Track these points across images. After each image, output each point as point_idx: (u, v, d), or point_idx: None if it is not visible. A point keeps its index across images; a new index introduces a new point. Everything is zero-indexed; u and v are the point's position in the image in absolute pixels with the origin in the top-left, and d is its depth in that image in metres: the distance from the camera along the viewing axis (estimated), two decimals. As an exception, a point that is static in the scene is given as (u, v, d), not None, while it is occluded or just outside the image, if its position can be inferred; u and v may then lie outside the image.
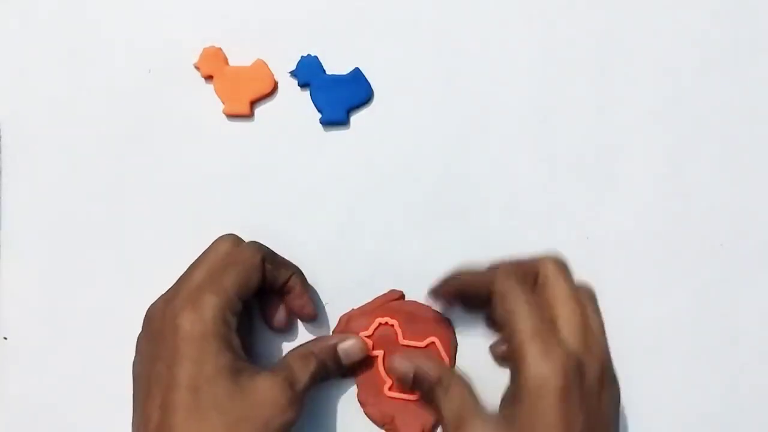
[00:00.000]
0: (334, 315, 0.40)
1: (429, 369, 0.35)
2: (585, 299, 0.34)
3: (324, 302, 0.40)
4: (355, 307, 0.40)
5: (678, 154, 0.41)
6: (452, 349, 0.39)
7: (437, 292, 0.37)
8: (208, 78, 0.41)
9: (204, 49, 0.41)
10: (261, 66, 0.41)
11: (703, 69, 0.42)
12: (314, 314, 0.38)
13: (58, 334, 0.40)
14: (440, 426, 0.34)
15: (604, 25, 0.42)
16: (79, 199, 0.41)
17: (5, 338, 0.40)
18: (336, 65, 0.42)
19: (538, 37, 0.42)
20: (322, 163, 0.41)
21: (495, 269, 0.35)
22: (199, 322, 0.33)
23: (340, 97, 0.41)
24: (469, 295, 0.36)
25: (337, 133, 0.42)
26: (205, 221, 0.41)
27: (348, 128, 0.42)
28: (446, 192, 0.41)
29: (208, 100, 0.41)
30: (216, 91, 0.41)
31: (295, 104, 0.42)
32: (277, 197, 0.41)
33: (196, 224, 0.41)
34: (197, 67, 0.41)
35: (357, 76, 0.42)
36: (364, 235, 0.41)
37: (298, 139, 0.41)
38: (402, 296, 0.40)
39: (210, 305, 0.33)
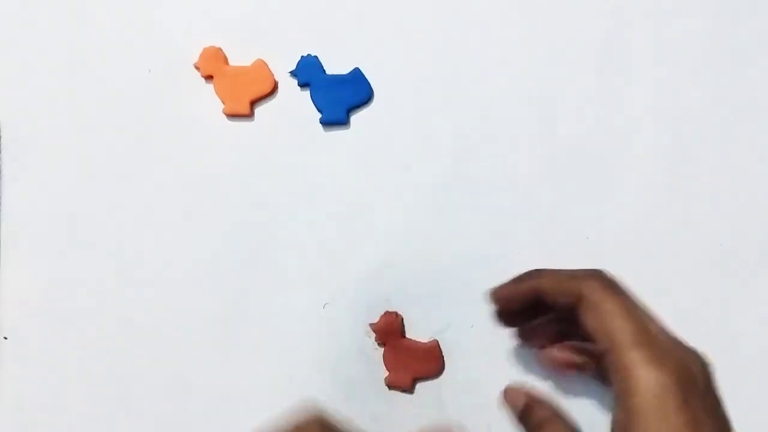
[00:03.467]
0: (334, 315, 0.40)
1: (536, 409, 0.34)
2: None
3: (324, 302, 0.40)
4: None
5: (678, 154, 0.41)
6: None
7: (504, 292, 0.35)
8: (208, 78, 0.41)
9: (204, 49, 0.41)
10: (261, 66, 0.41)
11: (703, 69, 0.42)
12: None
13: (58, 334, 0.40)
14: None
15: (604, 25, 0.42)
16: (79, 199, 0.41)
17: (5, 338, 0.40)
18: (336, 65, 0.42)
19: (539, 37, 0.42)
20: (322, 163, 0.41)
21: (578, 277, 0.33)
22: None
23: (340, 97, 0.41)
24: (548, 296, 0.33)
25: (337, 133, 0.42)
26: (205, 221, 0.41)
27: (348, 128, 0.42)
28: (446, 192, 0.41)
29: (208, 100, 0.41)
30: (216, 91, 0.41)
31: (295, 104, 0.42)
32: (277, 197, 0.41)
33: (196, 224, 0.41)
34: (197, 67, 0.41)
35: (357, 76, 0.42)
36: (364, 235, 0.41)
37: (298, 139, 0.41)
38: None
39: None
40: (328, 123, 0.41)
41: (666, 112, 0.42)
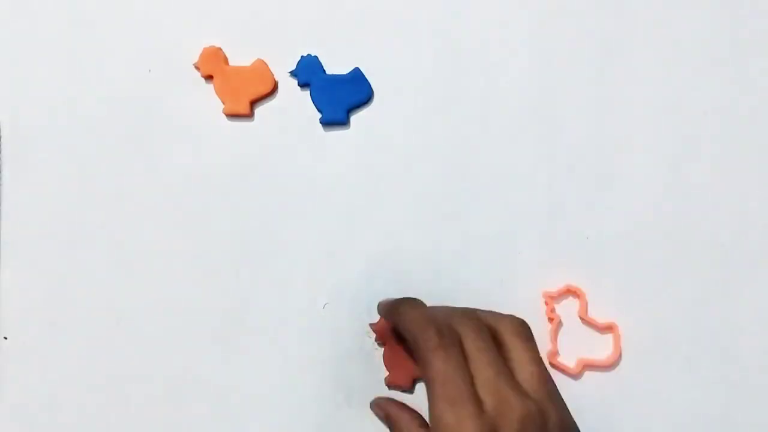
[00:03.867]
0: (334, 315, 0.40)
1: (399, 419, 0.36)
2: (510, 335, 0.33)
3: (324, 302, 0.40)
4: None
5: (678, 154, 0.41)
6: None
7: (382, 309, 0.38)
8: (208, 78, 0.41)
9: (204, 48, 0.41)
10: (261, 66, 0.41)
11: (704, 69, 0.42)
12: None
13: (58, 334, 0.40)
14: None
15: (604, 25, 0.42)
16: (79, 199, 0.41)
17: (5, 338, 0.40)
18: (336, 65, 0.42)
19: (538, 37, 0.42)
20: (322, 163, 0.41)
21: (423, 327, 0.33)
22: None
23: (340, 97, 0.41)
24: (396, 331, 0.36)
25: (337, 133, 0.42)
26: (204, 221, 0.41)
27: (348, 128, 0.42)
28: (446, 192, 0.41)
29: (208, 100, 0.41)
30: (216, 90, 0.41)
31: (295, 104, 0.42)
32: (277, 197, 0.41)
33: (196, 224, 0.41)
34: (197, 67, 0.41)
35: (357, 75, 0.41)
36: (364, 235, 0.41)
37: (298, 139, 0.41)
38: None
39: None
40: (328, 123, 0.41)
41: (666, 112, 0.41)
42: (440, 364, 0.31)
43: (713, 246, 0.40)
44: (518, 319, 0.34)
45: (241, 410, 0.39)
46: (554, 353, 0.39)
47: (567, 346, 0.39)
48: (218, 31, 0.42)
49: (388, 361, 0.39)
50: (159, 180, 0.41)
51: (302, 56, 0.42)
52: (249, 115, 0.41)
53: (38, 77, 0.42)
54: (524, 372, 0.32)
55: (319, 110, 0.41)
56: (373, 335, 0.39)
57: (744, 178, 0.41)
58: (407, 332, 0.33)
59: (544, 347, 0.39)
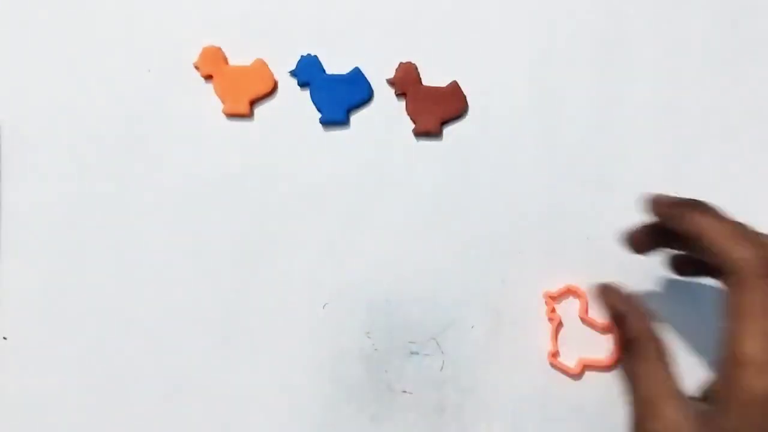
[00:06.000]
0: (334, 315, 0.40)
1: (631, 322, 0.32)
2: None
3: (324, 302, 0.40)
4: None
5: (678, 154, 0.41)
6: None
7: (659, 209, 0.33)
8: (208, 77, 0.41)
9: (203, 48, 0.41)
10: (261, 65, 0.41)
11: (704, 69, 0.42)
12: None
13: (58, 334, 0.40)
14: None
15: (605, 25, 0.42)
16: (78, 199, 0.41)
17: (5, 338, 0.40)
18: (336, 65, 0.42)
19: (538, 37, 0.42)
20: (321, 163, 0.41)
21: (741, 245, 0.30)
22: None
23: (340, 96, 0.41)
24: (700, 245, 0.31)
25: (336, 133, 0.42)
26: (204, 221, 0.41)
27: (348, 128, 0.42)
28: (446, 192, 0.41)
29: (208, 100, 0.41)
30: (215, 90, 0.41)
31: (294, 104, 0.42)
32: (277, 197, 0.41)
33: (196, 224, 0.41)
34: (197, 67, 0.41)
35: (357, 75, 0.41)
36: (364, 235, 0.41)
37: (297, 139, 0.41)
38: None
39: None
40: (327, 123, 0.41)
41: (666, 112, 0.41)
42: (763, 294, 0.28)
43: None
44: None
45: (241, 410, 0.39)
46: (554, 353, 0.39)
47: (567, 346, 0.39)
48: (218, 30, 0.42)
49: (412, 111, 0.41)
50: (158, 180, 0.41)
51: (302, 56, 0.42)
52: (248, 115, 0.41)
53: (38, 77, 0.42)
54: None
55: (318, 110, 0.41)
56: (369, 338, 0.39)
57: (744, 178, 0.41)
58: (716, 246, 0.30)
59: (544, 347, 0.39)
